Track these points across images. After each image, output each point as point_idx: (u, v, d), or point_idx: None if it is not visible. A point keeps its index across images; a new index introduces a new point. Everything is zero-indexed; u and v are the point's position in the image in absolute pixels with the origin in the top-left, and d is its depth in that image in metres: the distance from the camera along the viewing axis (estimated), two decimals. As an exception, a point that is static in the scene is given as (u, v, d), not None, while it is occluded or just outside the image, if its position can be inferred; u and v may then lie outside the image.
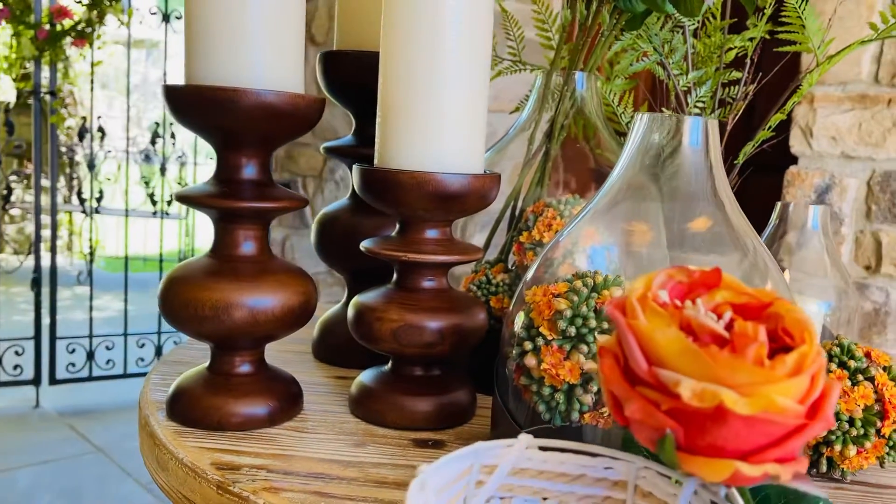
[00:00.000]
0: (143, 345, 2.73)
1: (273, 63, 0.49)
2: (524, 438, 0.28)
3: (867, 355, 0.50)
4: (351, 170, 0.67)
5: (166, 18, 2.56)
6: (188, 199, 0.50)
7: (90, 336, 2.65)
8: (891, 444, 0.48)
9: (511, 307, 0.48)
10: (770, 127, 0.70)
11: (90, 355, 2.65)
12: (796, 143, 1.49)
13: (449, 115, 0.51)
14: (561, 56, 0.67)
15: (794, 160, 1.51)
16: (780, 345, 0.24)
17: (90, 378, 2.66)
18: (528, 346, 0.44)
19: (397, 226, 0.54)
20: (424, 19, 0.49)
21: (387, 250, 0.52)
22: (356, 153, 0.65)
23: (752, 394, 0.21)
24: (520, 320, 0.46)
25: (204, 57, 0.48)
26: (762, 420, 0.22)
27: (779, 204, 0.65)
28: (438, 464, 0.26)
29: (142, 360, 2.71)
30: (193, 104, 0.47)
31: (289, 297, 0.51)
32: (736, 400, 0.21)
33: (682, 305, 0.24)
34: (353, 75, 0.63)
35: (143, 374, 2.73)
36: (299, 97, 0.49)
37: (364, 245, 0.54)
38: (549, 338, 0.43)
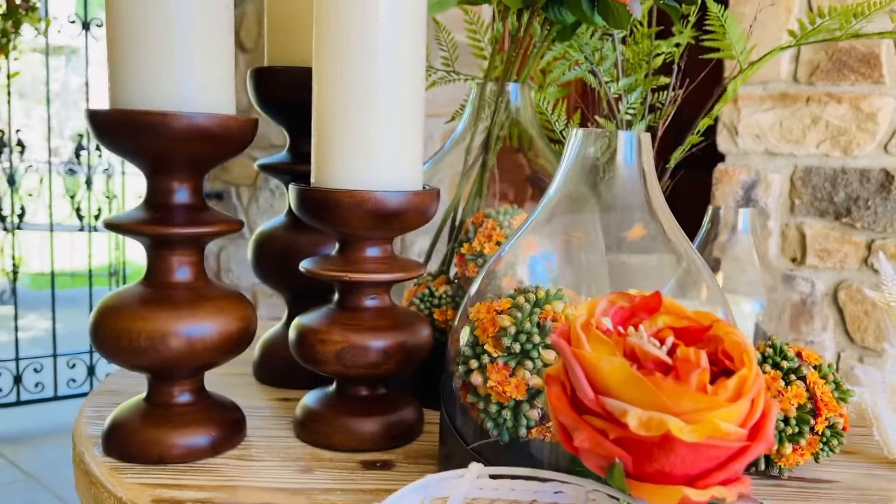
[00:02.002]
0: (73, 365, 2.63)
1: (203, 84, 0.47)
2: (474, 468, 0.28)
3: (798, 355, 0.51)
4: (287, 187, 0.66)
5: (86, 26, 2.47)
6: (118, 227, 0.48)
7: (16, 358, 2.54)
8: (824, 440, 0.50)
9: (456, 322, 0.48)
10: (699, 132, 0.72)
11: (17, 379, 2.54)
12: (723, 142, 1.54)
13: (385, 132, 0.50)
14: (494, 66, 0.67)
15: (721, 158, 1.55)
16: (720, 367, 0.24)
17: (18, 402, 2.55)
18: (474, 364, 0.44)
19: (337, 245, 0.54)
20: (356, 36, 0.49)
21: (328, 271, 0.51)
22: (291, 170, 0.64)
23: (697, 420, 0.22)
24: (464, 337, 0.46)
25: (129, 79, 0.46)
26: (707, 445, 0.22)
27: (710, 208, 0.67)
28: (389, 501, 0.25)
29: (73, 381, 2.62)
30: (121, 129, 0.46)
31: (227, 324, 0.50)
32: (681, 427, 0.22)
33: (625, 332, 0.25)
34: (285, 92, 0.62)
35: (76, 396, 2.64)
36: (231, 119, 0.48)
37: (303, 266, 0.53)
38: (495, 355, 0.43)
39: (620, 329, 0.25)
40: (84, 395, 2.65)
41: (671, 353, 0.24)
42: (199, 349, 0.48)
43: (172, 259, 0.50)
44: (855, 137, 1.41)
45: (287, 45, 0.63)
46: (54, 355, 2.59)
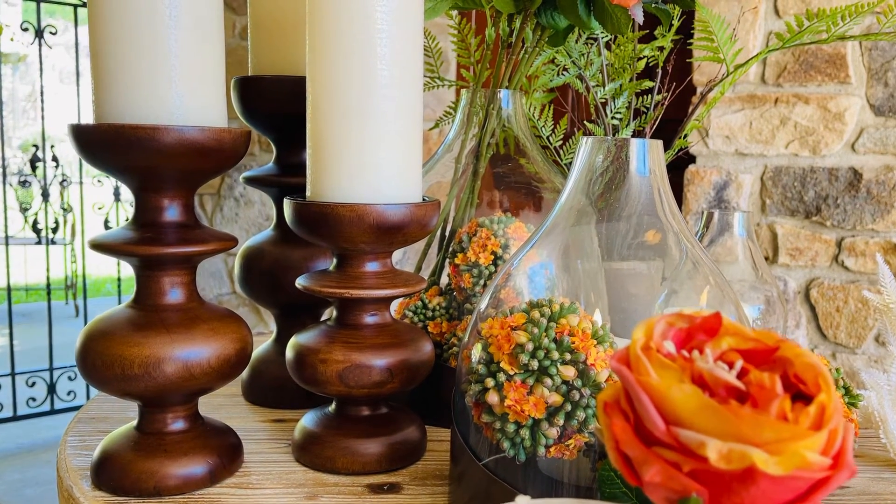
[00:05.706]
0: (33, 383, 2.54)
1: (193, 96, 0.45)
2: (522, 501, 0.26)
3: (807, 360, 0.51)
4: (275, 201, 0.64)
5: (39, 34, 2.39)
6: (105, 248, 0.46)
7: (-28, 378, 2.45)
8: (836, 446, 0.49)
9: (466, 338, 0.47)
10: (686, 135, 0.72)
11: (-26, 399, 2.45)
12: (693, 143, 1.55)
13: (384, 143, 0.49)
14: (484, 72, 0.66)
15: (692, 159, 1.56)
16: (792, 391, 0.23)
17: (-25, 424, 2.46)
18: (490, 382, 0.42)
19: (334, 260, 0.52)
20: (354, 47, 0.47)
21: (327, 288, 0.49)
22: (280, 183, 0.62)
23: (781, 451, 0.21)
24: (476, 354, 0.44)
25: (116, 93, 0.44)
26: (790, 476, 0.21)
27: (705, 212, 0.67)
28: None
29: (33, 399, 2.53)
30: (108, 145, 0.43)
31: (224, 346, 0.47)
32: (766, 460, 0.20)
33: (689, 356, 0.23)
34: (272, 102, 0.60)
35: (37, 415, 2.55)
36: (225, 131, 0.45)
37: (300, 282, 0.51)
38: (511, 372, 0.42)
39: (685, 353, 0.24)
40: (45, 413, 2.57)
41: (741, 377, 0.23)
42: (197, 374, 0.46)
43: (164, 280, 0.47)
44: (823, 137, 1.43)
45: (272, 53, 0.61)
46: (12, 374, 2.50)
